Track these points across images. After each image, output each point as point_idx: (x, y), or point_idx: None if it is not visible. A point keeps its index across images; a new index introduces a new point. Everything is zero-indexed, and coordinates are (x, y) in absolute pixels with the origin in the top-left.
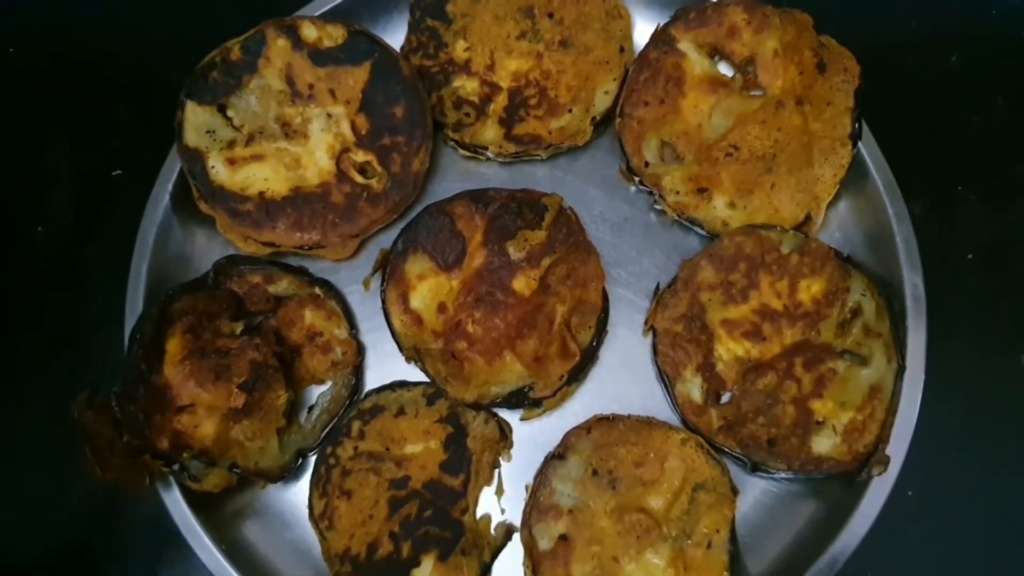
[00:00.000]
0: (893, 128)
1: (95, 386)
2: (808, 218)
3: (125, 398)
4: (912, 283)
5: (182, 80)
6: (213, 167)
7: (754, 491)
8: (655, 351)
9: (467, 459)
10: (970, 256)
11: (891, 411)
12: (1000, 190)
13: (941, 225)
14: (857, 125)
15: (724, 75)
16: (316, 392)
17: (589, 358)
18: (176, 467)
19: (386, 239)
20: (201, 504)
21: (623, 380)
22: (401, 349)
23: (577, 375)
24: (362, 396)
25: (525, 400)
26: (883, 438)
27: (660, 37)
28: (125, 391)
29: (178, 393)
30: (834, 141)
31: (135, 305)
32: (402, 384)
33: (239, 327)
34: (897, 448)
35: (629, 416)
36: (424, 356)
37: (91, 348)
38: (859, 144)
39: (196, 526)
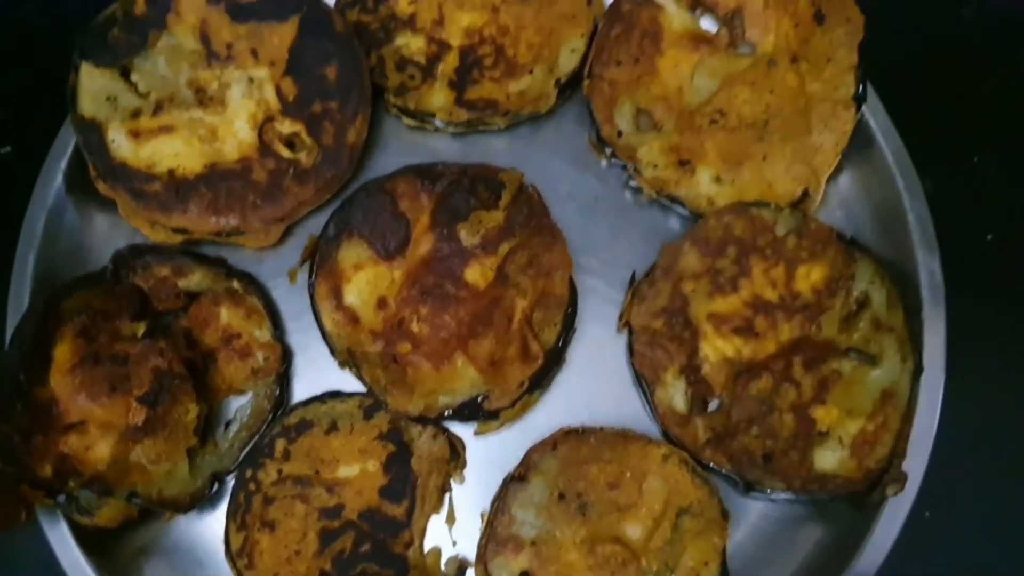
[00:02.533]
0: (901, 89)
1: None
2: (806, 194)
3: None
4: (928, 269)
5: (77, 37)
6: (114, 141)
7: (748, 515)
8: (631, 351)
9: (411, 483)
10: (990, 237)
11: (907, 419)
12: (1021, 161)
13: (956, 201)
14: (861, 85)
15: (707, 30)
16: (234, 405)
17: (554, 361)
18: (62, 498)
19: (317, 224)
20: (94, 542)
21: (594, 386)
22: (333, 353)
23: (540, 381)
24: (287, 409)
25: (480, 412)
26: (898, 451)
27: None
28: None
29: (66, 408)
30: (835, 104)
31: (19, 303)
32: (335, 395)
33: (141, 328)
34: (915, 463)
35: (601, 428)
36: (360, 361)
37: None
38: (863, 107)
39: (88, 569)
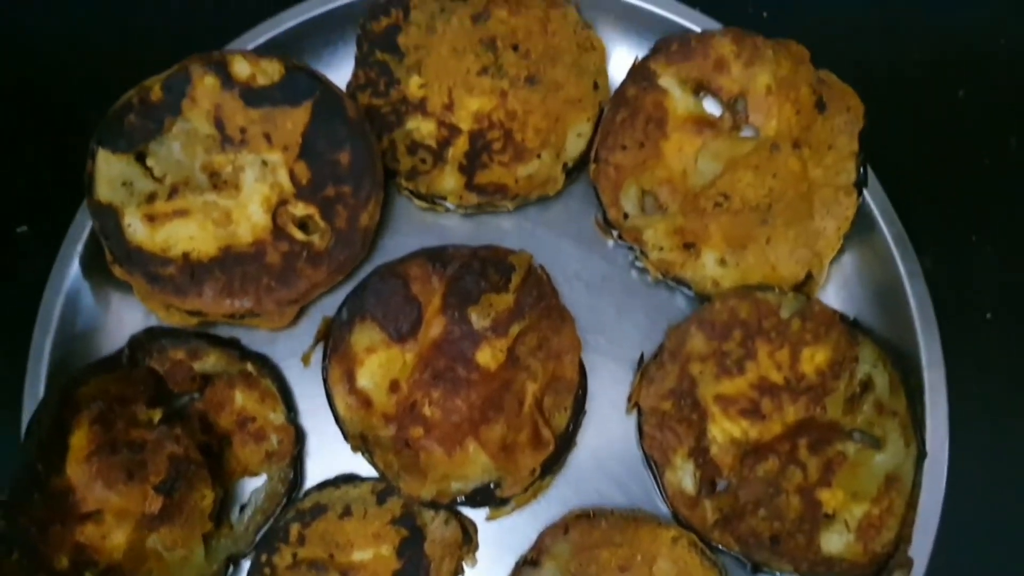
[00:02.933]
0: (898, 172)
1: None
2: (809, 276)
3: (15, 508)
4: (929, 351)
5: (96, 121)
6: (129, 225)
7: None
8: (640, 432)
9: (424, 567)
10: (989, 316)
11: (911, 505)
12: (1017, 240)
13: (955, 281)
14: (862, 171)
15: (711, 114)
16: (248, 487)
17: (565, 445)
18: None
19: (329, 305)
20: None
21: (604, 467)
22: (346, 437)
23: (552, 466)
24: (302, 493)
25: (492, 498)
26: (904, 536)
27: (639, 72)
28: (16, 498)
29: (82, 497)
30: (837, 189)
31: (35, 389)
32: (348, 479)
33: (157, 415)
34: (920, 548)
35: (612, 511)
36: (373, 445)
37: None
38: (864, 192)
39: None
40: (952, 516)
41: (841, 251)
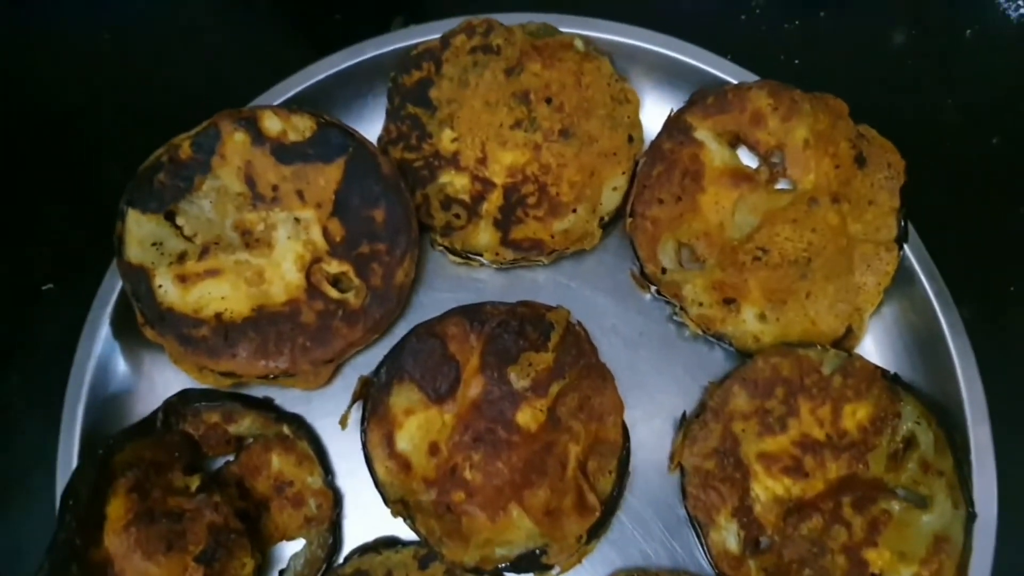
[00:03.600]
0: (934, 223)
1: (20, 551)
2: (849, 331)
3: None
4: (973, 407)
5: (126, 178)
6: (161, 286)
7: None
8: (683, 492)
9: None
10: None
11: (962, 567)
12: None
13: (995, 331)
14: (903, 226)
15: (748, 167)
16: (287, 550)
17: (611, 510)
18: None
19: (366, 362)
20: None
21: (647, 527)
22: (386, 502)
23: (597, 531)
24: (342, 559)
25: (537, 564)
26: None
27: (674, 125)
28: (55, 573)
29: (121, 569)
30: (877, 245)
31: (69, 452)
32: (389, 543)
33: (195, 482)
34: None
35: (657, 572)
36: (415, 510)
37: (16, 500)
38: (904, 247)
39: None
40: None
41: (881, 304)
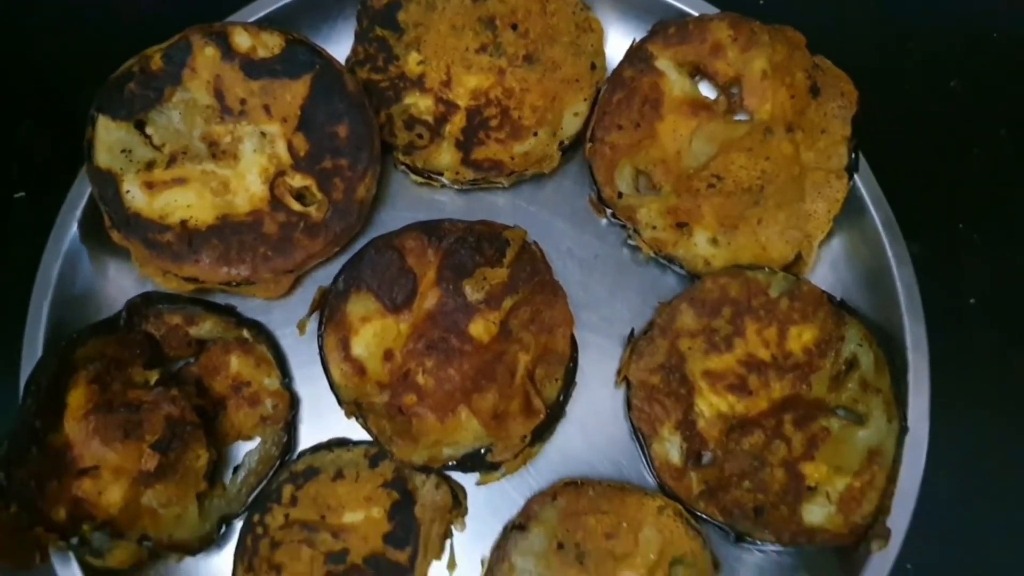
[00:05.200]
0: (889, 159)
1: None
2: (799, 258)
3: (14, 462)
4: (914, 334)
5: (94, 92)
6: (128, 191)
7: (739, 565)
8: (629, 405)
9: (414, 530)
10: (972, 301)
11: (892, 478)
12: (1004, 229)
13: (942, 266)
14: (854, 156)
15: (706, 97)
16: (242, 450)
17: (556, 415)
18: (75, 541)
19: (325, 275)
20: None
21: (593, 438)
22: (340, 403)
23: (542, 434)
24: (295, 456)
25: (483, 463)
26: (883, 508)
27: (636, 54)
28: (14, 454)
29: (80, 454)
30: (828, 173)
31: (33, 350)
32: (341, 443)
33: (154, 376)
34: (898, 519)
35: (600, 481)
36: (367, 411)
37: None
38: (855, 177)
39: None
40: (930, 490)
41: (831, 235)
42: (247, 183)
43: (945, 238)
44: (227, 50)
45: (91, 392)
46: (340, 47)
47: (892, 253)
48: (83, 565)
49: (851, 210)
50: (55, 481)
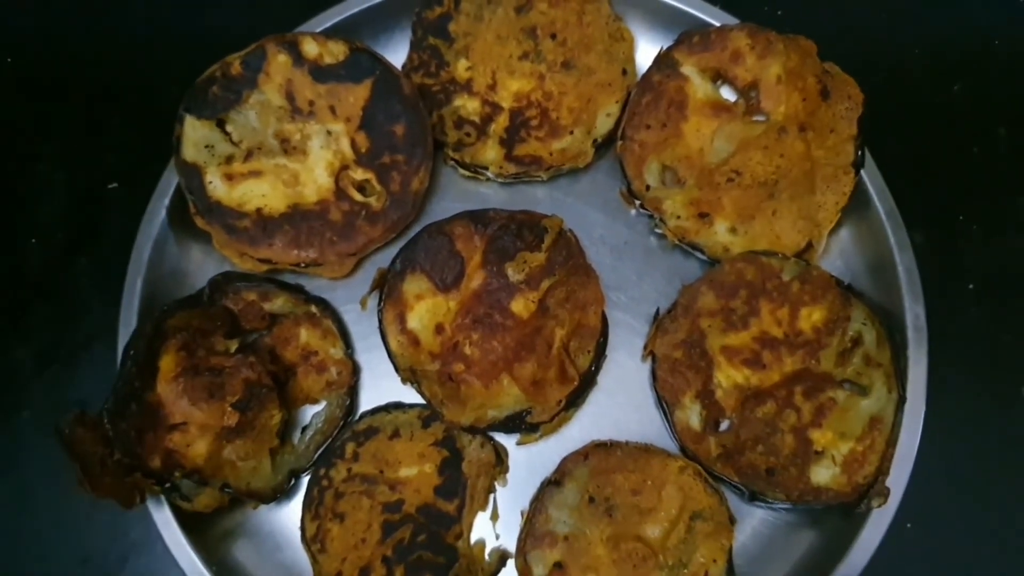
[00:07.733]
0: (895, 156)
1: (85, 403)
2: (809, 245)
3: (117, 415)
4: (913, 313)
5: (180, 93)
6: (211, 182)
7: (752, 520)
8: (654, 377)
9: (462, 484)
10: (971, 286)
11: (891, 442)
12: (1001, 221)
13: (942, 254)
14: (860, 153)
15: (727, 100)
16: (310, 412)
17: (587, 383)
18: (167, 486)
19: (384, 258)
20: (191, 524)
21: (621, 406)
22: (397, 370)
23: (575, 400)
24: (356, 417)
25: (522, 424)
26: (883, 469)
27: (663, 60)
28: (117, 408)
29: (171, 411)
30: (837, 168)
31: (128, 321)
32: (397, 406)
33: (233, 345)
34: (897, 480)
35: (627, 443)
36: (420, 378)
37: (82, 364)
38: (861, 172)
39: (186, 546)
40: (927, 453)
41: (839, 225)
42: (315, 176)
43: (945, 228)
44: (298, 57)
45: (180, 358)
46: (397, 54)
47: (895, 241)
48: (174, 508)
49: (858, 202)
50: (150, 433)
